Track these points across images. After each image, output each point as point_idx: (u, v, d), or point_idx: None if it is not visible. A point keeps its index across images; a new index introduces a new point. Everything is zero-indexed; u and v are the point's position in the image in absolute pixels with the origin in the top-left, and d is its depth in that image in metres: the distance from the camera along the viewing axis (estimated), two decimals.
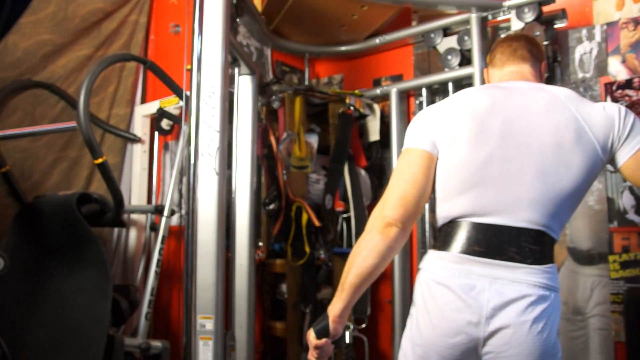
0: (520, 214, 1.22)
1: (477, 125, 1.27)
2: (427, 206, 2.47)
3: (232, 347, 1.83)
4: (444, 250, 1.27)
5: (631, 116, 1.27)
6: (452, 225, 1.28)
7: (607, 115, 1.26)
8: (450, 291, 1.21)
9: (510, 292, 1.18)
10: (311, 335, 1.30)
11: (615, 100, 2.07)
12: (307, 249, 2.28)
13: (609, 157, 1.27)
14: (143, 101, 2.76)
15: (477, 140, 1.26)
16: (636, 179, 1.28)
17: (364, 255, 1.25)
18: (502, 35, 2.33)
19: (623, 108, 1.28)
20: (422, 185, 1.29)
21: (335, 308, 1.28)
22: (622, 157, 1.26)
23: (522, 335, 1.16)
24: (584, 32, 2.17)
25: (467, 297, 1.19)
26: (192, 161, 1.64)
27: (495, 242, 1.22)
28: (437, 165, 1.31)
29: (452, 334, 1.20)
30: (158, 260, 2.31)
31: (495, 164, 1.24)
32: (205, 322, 1.60)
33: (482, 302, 1.18)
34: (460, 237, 1.25)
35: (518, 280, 1.18)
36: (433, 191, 1.33)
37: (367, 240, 1.27)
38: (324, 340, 1.28)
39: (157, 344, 2.19)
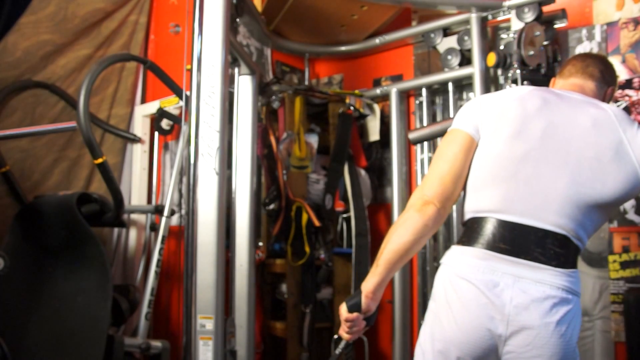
0: (549, 217, 1.22)
1: (522, 122, 1.27)
2: None
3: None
4: (469, 245, 1.26)
5: None
6: (478, 220, 1.27)
7: None
8: (474, 287, 1.20)
9: (534, 291, 1.17)
10: (343, 309, 1.29)
11: (615, 100, 2.07)
12: (307, 249, 2.28)
13: None
14: (143, 101, 2.76)
15: (518, 136, 1.26)
16: None
17: (400, 233, 1.26)
18: (503, 36, 2.33)
19: None
20: (461, 165, 1.30)
21: (369, 284, 1.28)
22: None
23: (545, 337, 1.15)
24: (584, 32, 2.17)
25: (490, 293, 1.19)
26: (192, 161, 1.64)
27: (521, 242, 1.21)
28: (474, 152, 1.32)
29: (475, 330, 1.19)
30: (158, 260, 2.31)
31: (530, 163, 1.25)
32: (205, 322, 1.59)
33: (505, 300, 1.17)
34: (486, 234, 1.24)
35: (542, 281, 1.18)
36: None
37: (404, 218, 1.28)
38: (355, 314, 1.27)
39: (157, 344, 2.19)
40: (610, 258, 2.02)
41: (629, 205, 2.01)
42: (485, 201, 1.27)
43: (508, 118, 1.29)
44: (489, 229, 1.24)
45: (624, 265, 2.00)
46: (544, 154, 1.25)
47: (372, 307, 1.29)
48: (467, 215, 1.31)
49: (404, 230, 1.26)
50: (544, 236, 1.21)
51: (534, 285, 1.18)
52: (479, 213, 1.28)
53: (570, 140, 1.25)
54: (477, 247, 1.24)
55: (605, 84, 1.45)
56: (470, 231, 1.28)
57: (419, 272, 2.47)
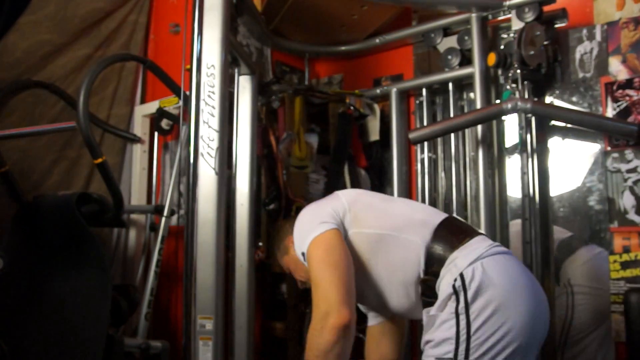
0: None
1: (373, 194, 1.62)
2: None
3: None
4: (464, 242, 1.35)
5: None
6: (434, 238, 1.38)
7: None
8: (517, 264, 1.38)
9: None
10: None
11: (615, 100, 2.06)
12: None
13: None
14: (143, 101, 2.76)
15: (386, 198, 1.60)
16: None
17: None
18: (503, 35, 2.32)
19: None
20: (349, 260, 1.37)
21: None
22: None
23: None
24: (585, 31, 2.17)
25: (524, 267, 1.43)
26: (191, 161, 1.64)
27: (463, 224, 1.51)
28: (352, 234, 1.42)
29: (543, 311, 1.33)
30: (158, 260, 2.31)
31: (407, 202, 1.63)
32: (205, 322, 1.59)
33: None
34: (448, 233, 1.38)
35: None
36: None
37: (332, 346, 1.28)
38: None
39: (156, 344, 2.18)
40: (611, 258, 2.02)
41: (629, 205, 2.01)
42: (420, 230, 1.39)
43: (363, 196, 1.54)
44: (444, 230, 1.39)
45: (624, 265, 1.99)
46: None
47: None
48: (423, 249, 1.37)
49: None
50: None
51: None
52: (427, 235, 1.38)
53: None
54: (468, 240, 1.36)
55: None
56: (441, 243, 1.37)
57: None
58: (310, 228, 1.41)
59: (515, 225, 2.19)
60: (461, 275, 1.28)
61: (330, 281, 1.30)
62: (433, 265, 1.35)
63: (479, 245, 1.35)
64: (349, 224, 1.43)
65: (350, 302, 1.29)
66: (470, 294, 1.26)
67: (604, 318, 2.02)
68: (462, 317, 1.25)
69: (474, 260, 1.29)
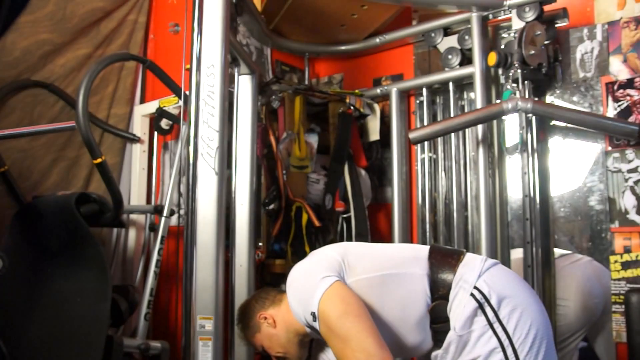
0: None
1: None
2: (427, 206, 2.47)
3: None
4: (462, 259, 1.43)
5: None
6: (433, 258, 1.45)
7: None
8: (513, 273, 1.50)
9: None
10: None
11: (616, 99, 2.06)
12: (307, 249, 2.27)
13: None
14: (142, 101, 2.75)
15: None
16: None
17: None
18: (504, 35, 2.32)
19: None
20: (364, 306, 1.36)
21: None
22: None
23: None
24: (585, 31, 2.16)
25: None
26: (191, 161, 1.64)
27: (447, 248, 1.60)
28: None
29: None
30: (157, 261, 2.30)
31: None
32: (205, 322, 1.59)
33: None
34: (442, 252, 1.48)
35: None
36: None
37: None
38: None
39: (156, 344, 2.18)
40: (612, 258, 2.02)
41: (630, 205, 2.00)
42: (415, 262, 1.44)
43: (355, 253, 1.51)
44: (437, 255, 1.45)
45: (625, 265, 1.99)
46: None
47: None
48: (425, 277, 1.41)
49: None
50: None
51: None
52: (424, 265, 1.43)
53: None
54: (463, 257, 1.44)
55: None
56: (440, 267, 1.42)
57: None
58: (313, 286, 1.38)
59: (516, 253, 2.18)
60: (476, 288, 1.34)
61: (360, 330, 1.30)
62: (438, 290, 1.38)
63: (474, 260, 1.42)
64: (346, 275, 1.42)
65: (386, 346, 1.29)
66: (494, 302, 1.31)
67: (574, 331, 2.05)
68: (497, 325, 1.30)
69: (480, 274, 1.35)
